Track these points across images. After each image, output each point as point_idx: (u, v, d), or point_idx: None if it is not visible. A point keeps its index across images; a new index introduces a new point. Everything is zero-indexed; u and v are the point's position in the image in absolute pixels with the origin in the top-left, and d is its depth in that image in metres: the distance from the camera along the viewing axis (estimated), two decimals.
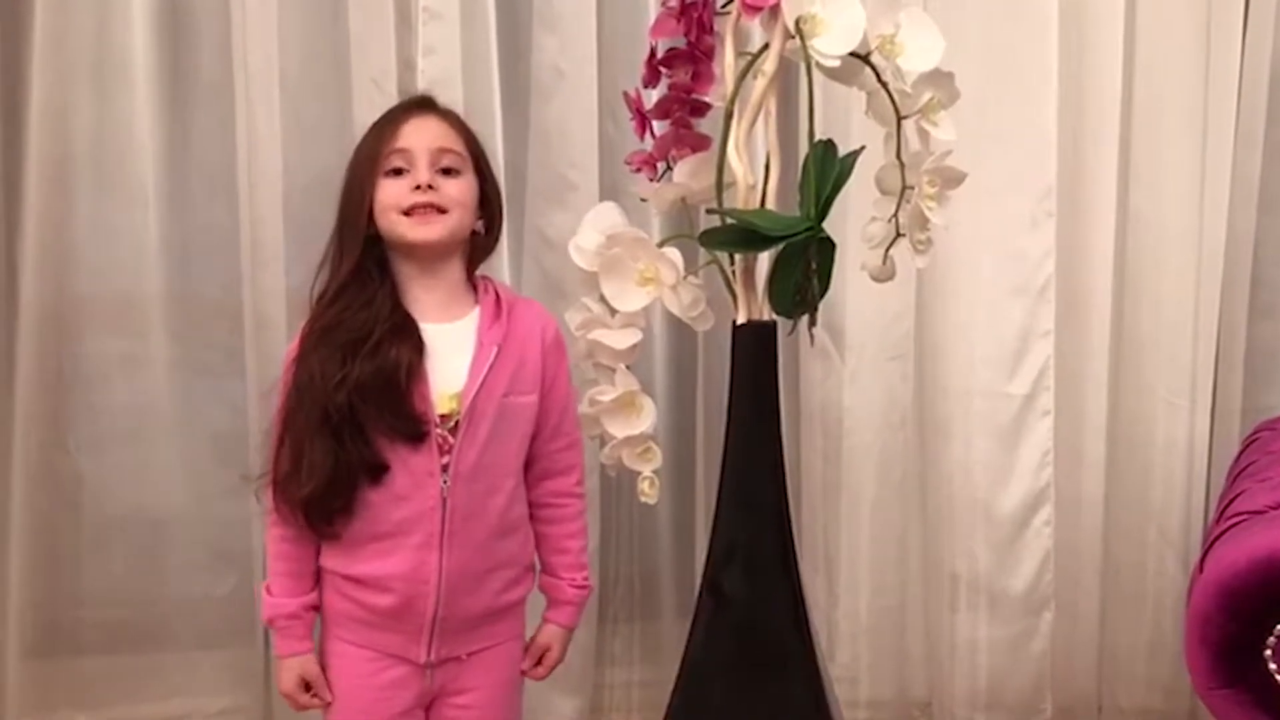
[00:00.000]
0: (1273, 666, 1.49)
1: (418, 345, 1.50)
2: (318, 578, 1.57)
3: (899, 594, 2.23)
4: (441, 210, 1.52)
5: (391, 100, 1.85)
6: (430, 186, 1.51)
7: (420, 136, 1.54)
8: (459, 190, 1.55)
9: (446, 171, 1.54)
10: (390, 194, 1.52)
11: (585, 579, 1.67)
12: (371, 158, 1.54)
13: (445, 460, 1.50)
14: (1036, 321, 2.13)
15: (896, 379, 2.17)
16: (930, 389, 2.18)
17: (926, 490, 2.21)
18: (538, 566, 1.66)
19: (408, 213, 1.51)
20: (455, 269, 1.58)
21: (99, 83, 1.97)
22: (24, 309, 1.96)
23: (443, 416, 1.50)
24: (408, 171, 1.53)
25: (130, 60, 1.96)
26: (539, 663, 1.66)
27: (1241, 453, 2.07)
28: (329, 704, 1.57)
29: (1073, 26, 2.10)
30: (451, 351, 1.53)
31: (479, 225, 1.60)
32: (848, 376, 2.15)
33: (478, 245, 1.61)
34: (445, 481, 1.50)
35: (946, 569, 2.19)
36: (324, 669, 1.57)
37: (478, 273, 1.62)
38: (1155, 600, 2.23)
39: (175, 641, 2.08)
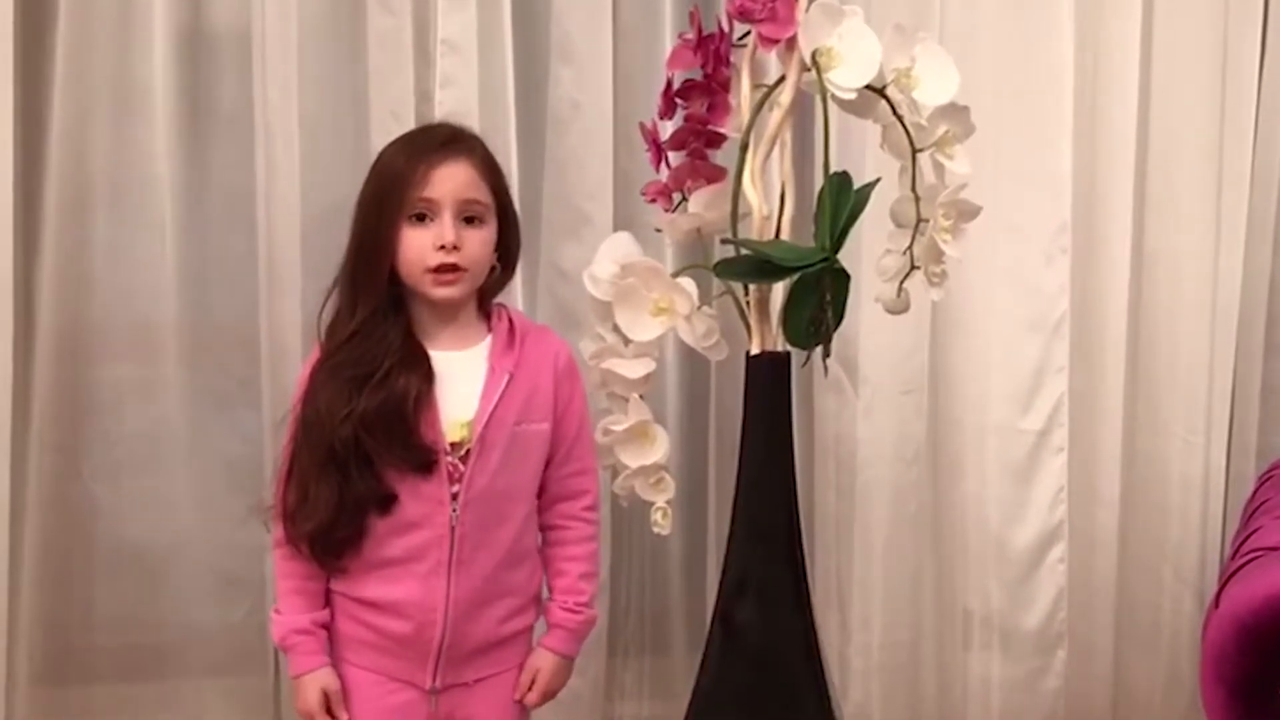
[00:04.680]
0: None
1: (427, 374, 1.50)
2: (327, 597, 1.56)
3: (912, 630, 2.21)
4: (461, 269, 1.52)
5: None
6: (455, 246, 1.50)
7: (448, 186, 1.51)
8: (480, 243, 1.53)
9: (470, 220, 1.53)
10: (415, 248, 1.51)
11: (579, 604, 1.63)
12: (396, 202, 1.51)
13: (455, 488, 1.50)
14: (1051, 357, 2.12)
15: (910, 413, 2.15)
16: (944, 424, 2.17)
17: (940, 526, 2.20)
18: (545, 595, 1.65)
19: (430, 270, 1.51)
20: (470, 304, 1.59)
21: (118, 111, 1.98)
22: (41, 335, 1.97)
23: (453, 444, 1.50)
24: (432, 219, 1.51)
25: (150, 89, 1.97)
26: (531, 688, 1.62)
27: (1257, 489, 2.06)
28: None
29: (1088, 62, 2.10)
30: (462, 379, 1.53)
31: (494, 260, 1.58)
32: (861, 410, 2.13)
33: (492, 281, 1.60)
34: (455, 509, 1.50)
35: (960, 605, 2.18)
36: None
37: (495, 301, 1.62)
38: (1170, 637, 2.21)
39: (186, 669, 2.08)
